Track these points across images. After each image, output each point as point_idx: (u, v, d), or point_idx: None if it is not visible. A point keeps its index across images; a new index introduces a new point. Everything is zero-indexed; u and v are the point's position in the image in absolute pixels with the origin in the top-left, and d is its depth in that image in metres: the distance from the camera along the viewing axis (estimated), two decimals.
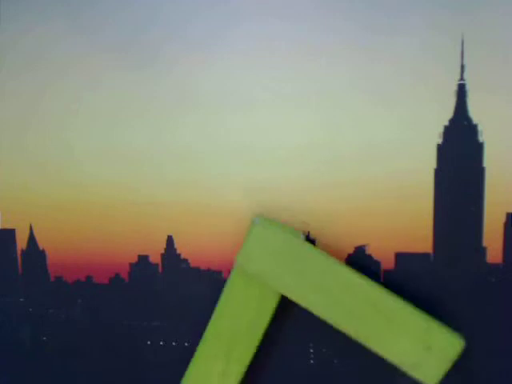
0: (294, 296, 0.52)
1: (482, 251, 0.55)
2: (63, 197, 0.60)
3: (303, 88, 0.55)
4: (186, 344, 0.60)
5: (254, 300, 0.53)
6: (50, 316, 0.62)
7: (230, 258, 0.58)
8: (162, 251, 0.59)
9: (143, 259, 0.60)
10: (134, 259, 0.60)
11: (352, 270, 0.52)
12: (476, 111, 0.54)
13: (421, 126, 0.54)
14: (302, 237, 0.53)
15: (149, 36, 0.56)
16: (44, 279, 0.61)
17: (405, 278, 0.56)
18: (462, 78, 0.53)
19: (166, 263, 0.59)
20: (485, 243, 0.55)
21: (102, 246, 0.60)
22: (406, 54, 0.54)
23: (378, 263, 0.56)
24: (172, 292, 0.60)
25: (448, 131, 0.54)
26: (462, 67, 0.53)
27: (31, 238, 0.61)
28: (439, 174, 0.55)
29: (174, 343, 0.60)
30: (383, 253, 0.56)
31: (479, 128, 0.54)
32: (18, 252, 0.61)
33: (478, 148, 0.54)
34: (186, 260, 0.59)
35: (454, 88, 0.54)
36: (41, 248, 0.61)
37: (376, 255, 0.56)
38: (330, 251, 0.55)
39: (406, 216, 0.55)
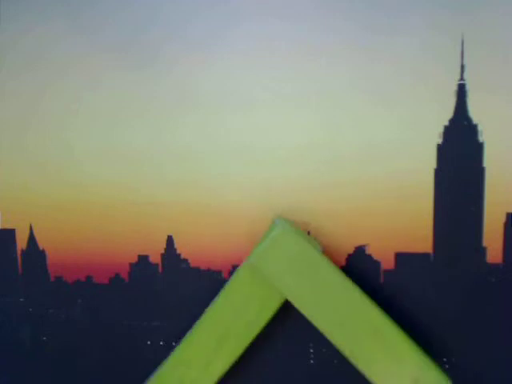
0: (298, 304, 0.52)
1: (481, 251, 0.55)
2: (63, 197, 0.60)
3: (303, 88, 0.55)
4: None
5: (258, 298, 0.53)
6: (50, 316, 0.62)
7: (230, 257, 0.58)
8: (162, 251, 0.59)
9: (143, 259, 0.60)
10: (134, 259, 0.60)
11: (362, 292, 0.52)
12: (476, 111, 0.54)
13: (421, 126, 0.54)
14: (320, 248, 0.53)
15: (149, 36, 0.56)
16: (44, 279, 0.61)
17: (405, 278, 0.56)
18: (462, 78, 0.53)
19: (166, 263, 0.59)
20: (485, 243, 0.55)
21: (102, 245, 0.60)
22: (406, 54, 0.54)
23: (377, 263, 0.56)
24: (172, 292, 0.60)
25: (448, 131, 0.54)
26: (462, 67, 0.53)
27: (31, 238, 0.61)
28: (439, 173, 0.55)
29: (174, 343, 0.60)
30: (383, 253, 0.56)
31: (479, 128, 0.54)
32: (18, 252, 0.61)
33: (478, 148, 0.54)
34: (185, 260, 0.59)
35: (453, 88, 0.54)
36: (41, 248, 0.61)
37: (376, 255, 0.56)
38: (330, 251, 0.55)
39: (405, 216, 0.55)
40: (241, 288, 0.53)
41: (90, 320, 0.61)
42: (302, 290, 0.52)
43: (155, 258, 0.59)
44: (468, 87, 0.53)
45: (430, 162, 0.55)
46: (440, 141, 0.54)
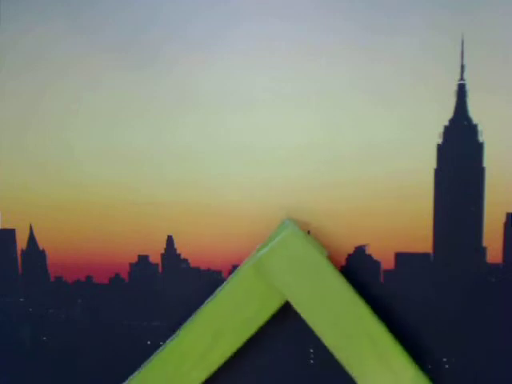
0: (299, 307, 0.52)
1: (482, 251, 0.55)
2: (63, 197, 0.60)
3: (303, 88, 0.55)
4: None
5: (259, 297, 0.53)
6: (50, 316, 0.62)
7: (230, 257, 0.58)
8: (162, 251, 0.59)
9: (143, 259, 0.60)
10: (134, 259, 0.60)
11: (364, 303, 0.52)
12: (476, 111, 0.54)
13: (421, 126, 0.54)
14: (326, 254, 0.53)
15: (149, 36, 0.56)
16: (44, 279, 0.61)
17: (405, 278, 0.56)
18: (462, 78, 0.53)
19: (166, 263, 0.59)
20: (485, 243, 0.55)
21: (102, 245, 0.60)
22: (406, 54, 0.54)
23: (377, 263, 0.56)
24: (172, 292, 0.60)
25: (448, 131, 0.54)
26: (462, 67, 0.53)
27: (31, 238, 0.61)
28: (439, 173, 0.55)
29: None
30: (383, 253, 0.56)
31: (479, 128, 0.54)
32: (18, 252, 0.61)
33: (478, 148, 0.54)
34: (185, 260, 0.59)
35: (454, 88, 0.54)
36: (41, 248, 0.61)
37: (376, 255, 0.56)
38: (330, 251, 0.55)
39: (406, 216, 0.55)
40: (243, 284, 0.53)
41: (90, 320, 0.61)
42: (303, 292, 0.52)
43: (155, 257, 0.59)
44: (468, 87, 0.53)
45: (430, 162, 0.55)
46: (440, 141, 0.54)
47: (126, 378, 0.58)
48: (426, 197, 0.55)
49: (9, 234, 0.61)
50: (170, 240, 0.59)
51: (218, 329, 0.54)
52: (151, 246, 0.59)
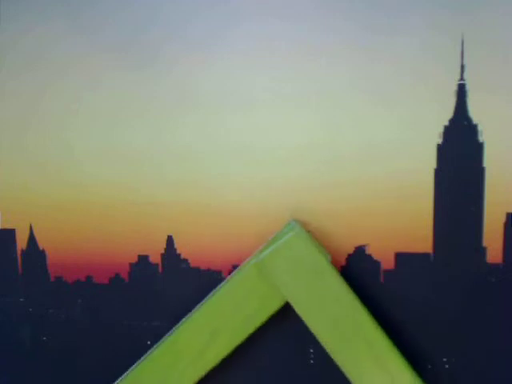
0: (299, 309, 0.52)
1: (482, 251, 0.55)
2: (63, 197, 0.60)
3: (303, 88, 0.55)
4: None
5: (259, 296, 0.53)
6: (50, 316, 0.62)
7: (230, 257, 0.58)
8: (162, 251, 0.59)
9: (143, 259, 0.60)
10: (134, 259, 0.60)
11: (364, 307, 0.52)
12: (476, 111, 0.54)
13: (421, 126, 0.54)
14: (329, 258, 0.53)
15: (149, 36, 0.56)
16: (44, 279, 0.61)
17: (405, 278, 0.56)
18: (462, 78, 0.53)
19: (166, 263, 0.59)
20: (485, 243, 0.55)
21: (102, 245, 0.60)
22: (406, 54, 0.54)
23: (377, 263, 0.56)
24: (172, 292, 0.60)
25: (448, 131, 0.54)
26: (462, 67, 0.53)
27: (31, 238, 0.61)
28: (439, 173, 0.55)
29: None
30: (383, 253, 0.56)
31: (479, 128, 0.54)
32: (18, 252, 0.61)
33: (478, 148, 0.54)
34: (186, 260, 0.59)
35: (454, 88, 0.54)
36: (41, 248, 0.61)
37: (376, 255, 0.56)
38: (330, 251, 0.55)
39: (406, 216, 0.55)
40: (244, 283, 0.53)
41: (90, 320, 0.61)
42: (304, 294, 0.52)
43: (155, 257, 0.59)
44: (468, 87, 0.53)
45: (430, 162, 0.55)
46: (440, 141, 0.54)
47: None
48: (426, 197, 0.55)
49: (9, 234, 0.61)
50: (170, 240, 0.59)
51: (216, 326, 0.54)
52: (151, 245, 0.59)
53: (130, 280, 0.60)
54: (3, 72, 0.59)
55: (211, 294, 0.55)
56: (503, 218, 0.55)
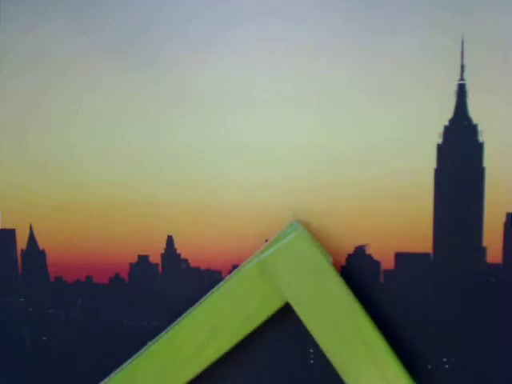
0: (299, 310, 0.52)
1: (482, 251, 0.55)
2: (63, 197, 0.60)
3: (303, 88, 0.55)
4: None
5: (260, 296, 0.53)
6: (50, 316, 0.62)
7: (230, 257, 0.58)
8: (162, 251, 0.59)
9: (143, 259, 0.60)
10: (134, 259, 0.60)
11: (364, 311, 0.52)
12: (476, 111, 0.54)
13: (421, 126, 0.54)
14: (331, 259, 0.53)
15: (149, 36, 0.56)
16: (44, 279, 0.61)
17: (405, 278, 0.56)
18: (462, 78, 0.53)
19: (166, 263, 0.59)
20: (485, 243, 0.55)
21: (102, 245, 0.60)
22: (406, 54, 0.54)
23: (377, 263, 0.56)
24: (172, 292, 0.60)
25: (448, 131, 0.54)
26: (462, 67, 0.53)
27: (31, 238, 0.61)
28: (439, 173, 0.55)
29: None
30: (383, 253, 0.56)
31: (479, 128, 0.54)
32: (18, 252, 0.61)
33: (478, 148, 0.54)
34: (186, 260, 0.59)
35: (454, 88, 0.54)
36: (41, 248, 0.61)
37: (376, 255, 0.56)
38: (330, 251, 0.55)
39: (406, 216, 0.55)
40: (245, 282, 0.53)
41: (90, 320, 0.61)
42: (304, 295, 0.52)
43: (155, 257, 0.59)
44: (468, 87, 0.53)
45: (430, 162, 0.55)
46: (440, 141, 0.54)
47: None
48: (426, 197, 0.55)
49: (9, 234, 0.61)
50: (170, 240, 0.59)
51: (215, 324, 0.54)
52: (151, 245, 0.59)
53: (130, 280, 0.60)
54: (3, 72, 0.59)
55: (211, 291, 0.55)
56: (503, 218, 0.55)
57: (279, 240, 0.53)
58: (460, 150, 0.55)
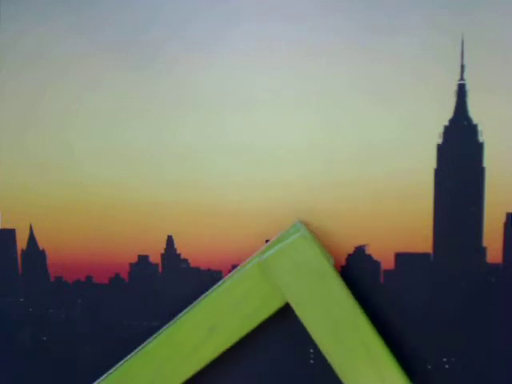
0: (299, 311, 0.52)
1: (482, 251, 0.55)
2: (63, 197, 0.60)
3: (303, 88, 0.55)
4: None
5: (260, 295, 0.53)
6: (50, 316, 0.62)
7: (230, 257, 0.58)
8: (162, 251, 0.59)
9: (143, 259, 0.60)
10: (134, 259, 0.60)
11: (363, 312, 0.52)
12: (476, 111, 0.54)
13: (421, 126, 0.54)
14: (332, 261, 0.53)
15: (149, 36, 0.56)
16: (44, 279, 0.61)
17: (405, 278, 0.56)
18: (462, 78, 0.53)
19: (166, 263, 0.59)
20: (485, 243, 0.55)
21: (102, 245, 0.60)
22: (406, 54, 0.54)
23: (377, 263, 0.56)
24: (172, 292, 0.60)
25: (448, 131, 0.54)
26: (462, 67, 0.53)
27: (31, 238, 0.61)
28: (439, 173, 0.55)
29: None
30: (383, 253, 0.56)
31: (479, 128, 0.54)
32: (18, 252, 0.61)
33: (478, 148, 0.54)
34: (186, 260, 0.59)
35: (454, 88, 0.54)
36: (41, 248, 0.61)
37: (376, 255, 0.56)
38: (330, 251, 0.55)
39: (406, 216, 0.55)
40: (246, 282, 0.53)
41: (90, 320, 0.61)
42: (304, 296, 0.52)
43: (155, 257, 0.59)
44: (468, 87, 0.53)
45: (430, 162, 0.55)
46: (440, 141, 0.54)
47: None
48: (426, 197, 0.55)
49: (9, 234, 0.61)
50: (170, 240, 0.59)
51: (214, 322, 0.54)
52: (151, 245, 0.59)
53: (130, 280, 0.60)
54: (3, 72, 0.59)
55: (211, 289, 0.55)
56: (503, 218, 0.55)
57: (281, 240, 0.53)
58: (460, 150, 0.55)
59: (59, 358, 0.62)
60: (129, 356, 0.56)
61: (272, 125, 0.56)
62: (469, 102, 0.54)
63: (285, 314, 0.54)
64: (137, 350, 0.56)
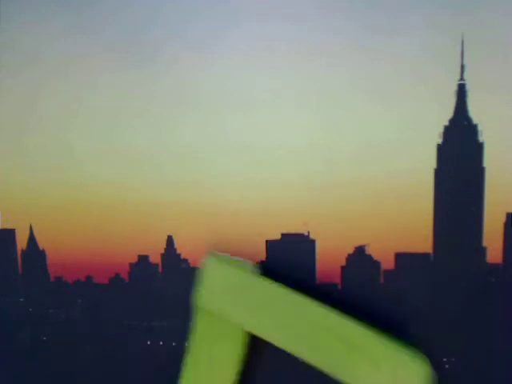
0: (257, 332, 0.50)
1: (482, 251, 0.55)
2: (63, 197, 0.60)
3: (303, 88, 0.55)
4: (186, 344, 0.60)
5: (223, 338, 0.51)
6: (50, 316, 0.62)
7: None
8: (162, 251, 0.59)
9: (143, 259, 0.60)
10: (134, 259, 0.60)
11: (306, 297, 0.49)
12: (476, 111, 0.54)
13: (421, 126, 0.54)
14: (257, 269, 0.51)
15: (149, 36, 0.56)
16: (44, 279, 0.61)
17: (405, 278, 0.56)
18: (462, 78, 0.53)
19: (166, 263, 0.59)
20: (485, 243, 0.55)
21: (102, 245, 0.60)
22: (406, 54, 0.54)
23: (377, 263, 0.56)
24: (172, 292, 0.60)
25: (448, 131, 0.54)
26: (462, 67, 0.53)
27: (31, 238, 0.61)
28: (439, 173, 0.55)
29: (173, 343, 0.60)
30: (383, 253, 0.56)
31: (479, 128, 0.54)
32: (18, 252, 0.61)
33: (478, 148, 0.54)
34: (185, 260, 0.59)
35: (454, 88, 0.54)
36: (41, 248, 0.61)
37: (376, 255, 0.56)
38: (331, 251, 0.55)
39: (406, 216, 0.55)
40: (203, 334, 0.51)
41: (90, 320, 0.61)
42: (250, 315, 0.50)
43: (155, 257, 0.59)
44: (468, 87, 0.53)
45: (430, 162, 0.55)
46: (440, 141, 0.54)
47: (125, 377, 0.58)
48: (426, 197, 0.55)
49: (9, 234, 0.61)
50: (170, 240, 0.59)
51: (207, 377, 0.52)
52: (151, 245, 0.59)
53: (130, 280, 0.60)
54: (2, 72, 0.59)
55: (185, 361, 0.53)
56: (503, 218, 0.55)
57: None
58: (460, 150, 0.55)
59: (59, 358, 0.62)
60: None
61: (272, 125, 0.56)
62: (469, 101, 0.54)
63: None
64: None
